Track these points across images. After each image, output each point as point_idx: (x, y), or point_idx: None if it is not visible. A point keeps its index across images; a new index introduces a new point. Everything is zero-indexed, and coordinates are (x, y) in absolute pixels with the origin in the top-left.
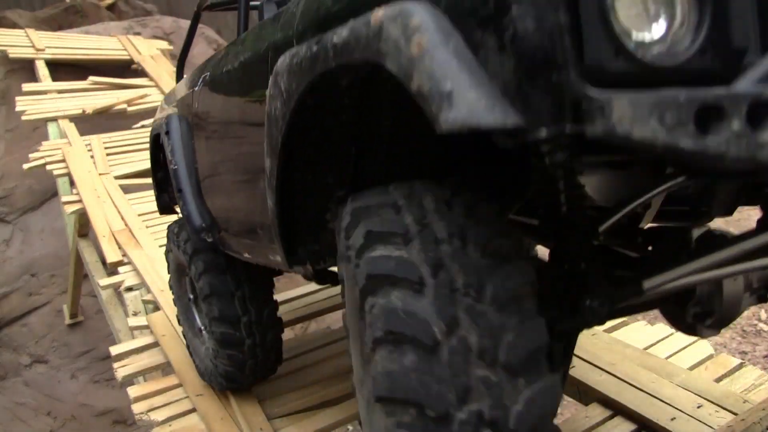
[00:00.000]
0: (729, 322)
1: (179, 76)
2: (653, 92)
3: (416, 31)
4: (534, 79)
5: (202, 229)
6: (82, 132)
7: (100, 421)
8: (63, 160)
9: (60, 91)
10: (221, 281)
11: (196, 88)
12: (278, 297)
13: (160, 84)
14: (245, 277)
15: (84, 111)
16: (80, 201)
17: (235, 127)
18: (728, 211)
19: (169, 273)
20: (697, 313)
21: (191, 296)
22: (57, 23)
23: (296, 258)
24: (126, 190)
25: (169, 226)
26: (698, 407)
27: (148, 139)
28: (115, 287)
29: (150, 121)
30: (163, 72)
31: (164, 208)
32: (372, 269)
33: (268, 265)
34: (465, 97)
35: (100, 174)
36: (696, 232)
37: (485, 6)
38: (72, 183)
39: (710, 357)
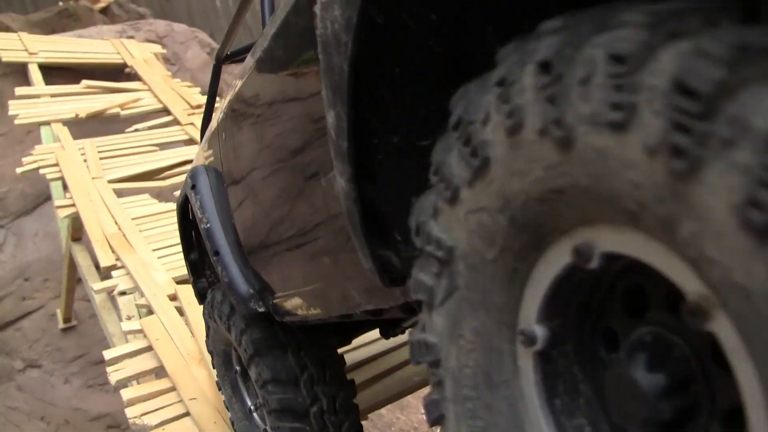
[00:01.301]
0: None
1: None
2: None
3: None
4: None
5: (250, 296)
6: (76, 136)
7: (93, 425)
8: (56, 164)
9: (53, 95)
10: (282, 363)
11: (221, 119)
12: None
13: (153, 88)
14: (311, 353)
15: (77, 115)
16: (73, 205)
17: (284, 152)
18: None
19: (208, 340)
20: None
21: (238, 368)
22: (50, 27)
23: (391, 269)
24: (119, 194)
25: (210, 292)
26: None
27: (141, 143)
28: (109, 291)
29: (144, 124)
30: (156, 76)
31: (204, 297)
32: None
33: (348, 309)
34: None
35: (93, 178)
36: None
37: None
38: (65, 187)
39: None
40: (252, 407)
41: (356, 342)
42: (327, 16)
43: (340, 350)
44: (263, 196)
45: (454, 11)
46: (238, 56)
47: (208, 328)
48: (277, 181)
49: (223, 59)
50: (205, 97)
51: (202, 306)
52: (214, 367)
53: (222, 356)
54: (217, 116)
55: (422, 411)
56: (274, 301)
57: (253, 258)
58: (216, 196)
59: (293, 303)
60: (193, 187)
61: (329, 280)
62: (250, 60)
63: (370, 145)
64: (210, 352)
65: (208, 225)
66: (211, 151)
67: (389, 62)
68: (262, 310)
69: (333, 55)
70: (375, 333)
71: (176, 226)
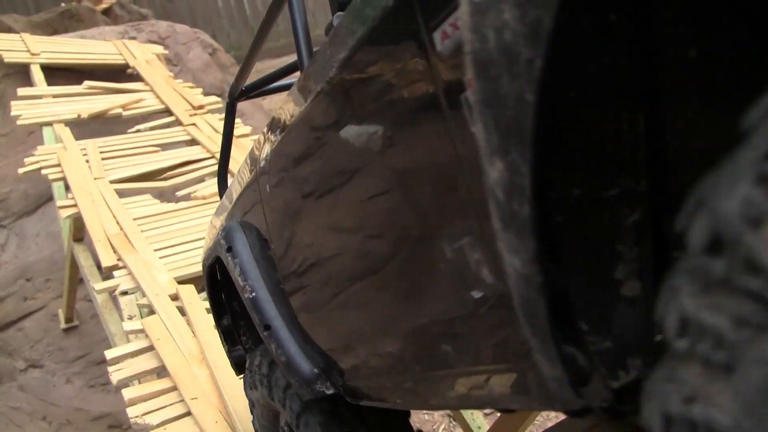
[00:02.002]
0: None
1: (222, 186)
2: None
3: None
4: None
5: (315, 377)
6: (78, 136)
7: (95, 425)
8: (58, 165)
9: (55, 96)
10: None
11: (264, 168)
12: None
13: (155, 88)
14: None
15: (79, 115)
16: (75, 205)
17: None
18: None
19: (252, 414)
20: None
21: None
22: (52, 28)
23: (576, 369)
24: (121, 194)
25: (249, 357)
26: None
27: (143, 144)
28: (110, 291)
29: (146, 125)
30: (159, 76)
31: (241, 366)
32: None
33: (472, 405)
34: None
35: (95, 178)
36: None
37: None
38: (67, 187)
39: None
40: None
41: None
42: (486, 22)
43: None
44: (337, 262)
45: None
46: (254, 91)
47: (252, 405)
48: (359, 245)
49: (237, 96)
50: (207, 97)
51: (240, 377)
52: None
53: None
54: (248, 164)
55: (425, 411)
56: (348, 382)
57: (317, 332)
58: (259, 260)
59: (379, 389)
60: (230, 249)
61: (447, 372)
62: (300, 93)
63: (547, 205)
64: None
65: (254, 294)
66: (246, 207)
67: (583, 82)
68: (331, 392)
69: (502, 79)
70: None
71: (177, 226)
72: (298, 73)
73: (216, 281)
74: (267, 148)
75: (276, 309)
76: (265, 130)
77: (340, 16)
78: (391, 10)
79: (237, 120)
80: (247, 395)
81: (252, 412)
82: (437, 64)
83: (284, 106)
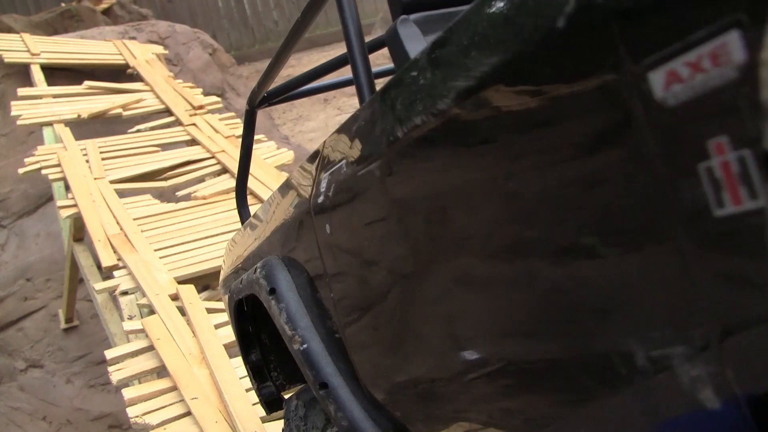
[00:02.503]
0: None
1: (242, 203)
2: None
3: None
4: None
5: None
6: (78, 136)
7: (95, 425)
8: (58, 165)
9: (55, 96)
10: None
11: (320, 199)
12: None
13: (155, 89)
14: None
15: (79, 115)
16: (75, 205)
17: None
18: None
19: None
20: None
21: None
22: (52, 28)
23: None
24: (121, 194)
25: (285, 404)
26: None
27: (143, 144)
28: (111, 291)
29: (146, 125)
30: (159, 76)
31: (273, 404)
32: None
33: None
34: None
35: (95, 178)
36: None
37: None
38: (67, 187)
39: None
40: None
41: None
42: None
43: None
44: (431, 317)
45: None
46: (278, 97)
47: None
48: (471, 300)
49: (259, 103)
50: (207, 97)
51: (267, 415)
52: None
53: None
54: (291, 195)
55: None
56: None
57: (385, 393)
58: (310, 306)
59: None
60: (273, 291)
61: None
62: (370, 126)
63: None
64: None
65: (305, 346)
66: (291, 243)
67: None
68: None
69: None
70: None
71: (177, 226)
72: (326, 78)
73: (243, 314)
74: (325, 184)
75: (333, 364)
76: (313, 163)
77: (406, 21)
78: (567, 28)
79: (236, 120)
80: None
81: None
82: (651, 116)
83: (343, 140)
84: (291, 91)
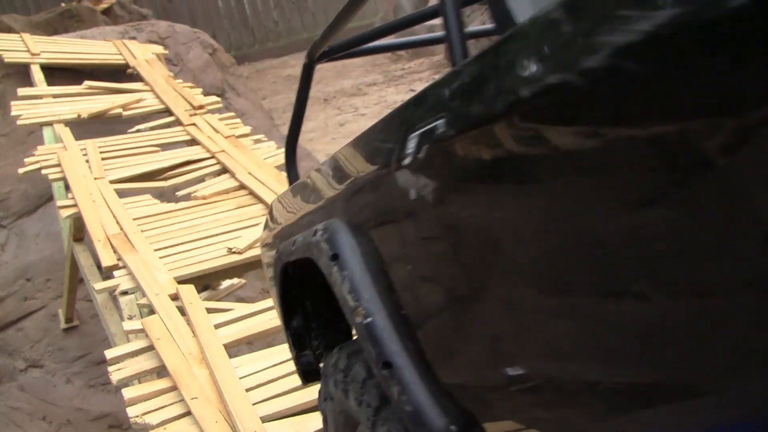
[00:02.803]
0: None
1: (291, 162)
2: None
3: None
4: None
5: None
6: (78, 136)
7: (95, 425)
8: (58, 165)
9: (55, 96)
10: None
11: (407, 159)
12: (272, 301)
13: (155, 88)
14: None
15: (79, 115)
16: (75, 205)
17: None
18: None
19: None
20: None
21: None
22: (52, 27)
23: None
24: (121, 194)
25: (325, 360)
26: None
27: (143, 144)
28: (110, 291)
29: (146, 125)
30: (159, 76)
31: (310, 374)
32: None
33: None
34: None
35: (95, 178)
36: None
37: None
38: (67, 187)
39: None
40: None
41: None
42: None
43: None
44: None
45: None
46: (341, 52)
47: (325, 421)
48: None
49: (320, 57)
50: (207, 97)
51: (305, 385)
52: None
53: None
54: (366, 152)
55: None
56: None
57: (456, 380)
58: (376, 277)
59: None
60: (335, 257)
61: None
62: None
63: None
64: None
65: (369, 320)
66: (362, 208)
67: None
68: None
69: None
70: None
71: (177, 226)
72: (389, 38)
73: (288, 278)
74: (415, 145)
75: (399, 342)
76: (394, 122)
77: None
78: None
79: (236, 120)
80: (320, 408)
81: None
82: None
83: (439, 98)
84: (357, 47)
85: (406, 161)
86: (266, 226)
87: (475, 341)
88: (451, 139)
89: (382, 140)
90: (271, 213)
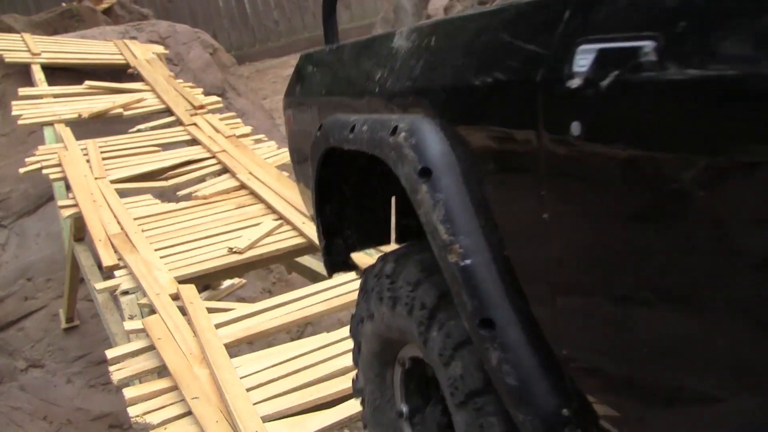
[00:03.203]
0: None
1: (329, 17)
2: None
3: None
4: None
5: (558, 418)
6: (78, 136)
7: (95, 425)
8: (59, 164)
9: (56, 96)
10: None
11: (579, 75)
12: (272, 301)
13: (155, 88)
14: None
15: (80, 115)
16: (76, 205)
17: None
18: None
19: (357, 366)
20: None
21: (404, 409)
22: (53, 27)
23: None
24: (122, 194)
25: (366, 274)
26: None
27: (143, 144)
28: (111, 291)
29: (147, 125)
30: (159, 76)
31: (337, 265)
32: None
33: None
34: None
35: (96, 178)
36: None
37: None
38: (68, 187)
39: None
40: None
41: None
42: None
43: None
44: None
45: None
46: None
47: (358, 348)
48: None
49: None
50: (208, 97)
51: (330, 277)
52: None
53: (376, 378)
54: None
55: None
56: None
57: (574, 347)
58: (479, 208)
59: None
60: (426, 173)
61: None
62: None
63: None
64: (358, 381)
65: (468, 262)
66: (454, 108)
67: None
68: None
69: None
70: None
71: (177, 225)
72: None
73: (327, 167)
74: (591, 63)
75: (504, 294)
76: (542, 22)
77: None
78: None
79: (237, 120)
80: (352, 334)
81: (356, 364)
82: None
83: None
84: None
85: (573, 83)
86: (295, 82)
87: (611, 304)
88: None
89: (523, 37)
90: (302, 68)
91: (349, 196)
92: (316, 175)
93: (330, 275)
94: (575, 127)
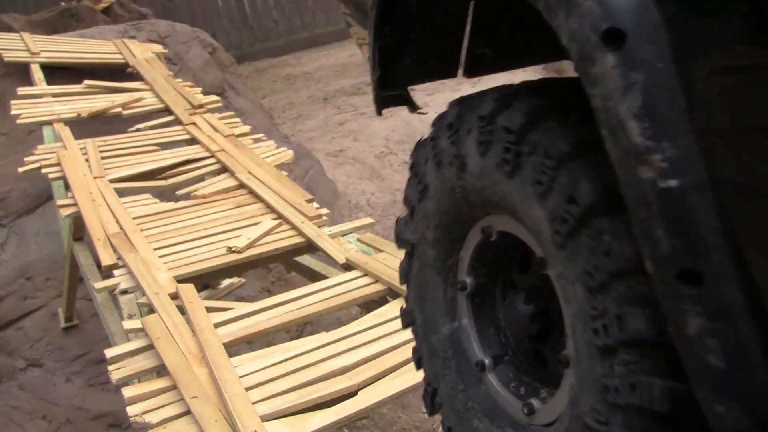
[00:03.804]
0: None
1: None
2: None
3: None
4: None
5: None
6: (77, 135)
7: (95, 424)
8: (58, 164)
9: (55, 95)
10: None
11: None
12: (271, 300)
13: (155, 87)
14: None
15: (79, 114)
16: (75, 204)
17: None
18: None
19: (406, 272)
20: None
21: (467, 281)
22: (52, 27)
23: None
24: (121, 193)
25: (438, 118)
26: None
27: (142, 143)
28: (110, 290)
29: (146, 124)
30: (158, 75)
31: (389, 100)
32: None
33: None
34: None
35: (95, 177)
36: None
37: None
38: (67, 186)
39: None
40: (483, 361)
41: (357, 340)
42: None
43: None
44: None
45: None
46: None
47: (410, 254)
48: None
49: None
50: (207, 97)
51: (378, 113)
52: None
53: (438, 258)
54: None
55: (423, 410)
56: None
57: None
58: (692, 102)
59: None
60: (616, 36)
61: None
62: None
63: None
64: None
65: (673, 183)
66: None
67: None
68: None
69: None
70: (374, 333)
71: (177, 225)
72: None
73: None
74: None
75: (722, 237)
76: None
77: None
78: None
79: (236, 119)
80: (399, 238)
81: (405, 272)
82: None
83: None
84: None
85: None
86: None
87: None
88: None
89: None
90: None
91: (417, 21)
92: (378, 11)
93: (379, 112)
94: None
